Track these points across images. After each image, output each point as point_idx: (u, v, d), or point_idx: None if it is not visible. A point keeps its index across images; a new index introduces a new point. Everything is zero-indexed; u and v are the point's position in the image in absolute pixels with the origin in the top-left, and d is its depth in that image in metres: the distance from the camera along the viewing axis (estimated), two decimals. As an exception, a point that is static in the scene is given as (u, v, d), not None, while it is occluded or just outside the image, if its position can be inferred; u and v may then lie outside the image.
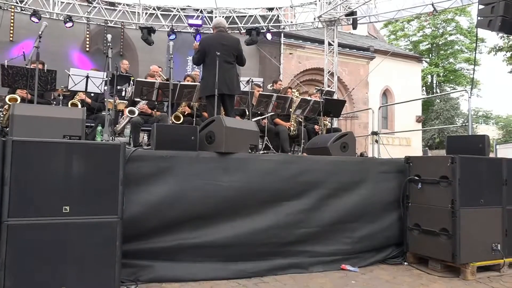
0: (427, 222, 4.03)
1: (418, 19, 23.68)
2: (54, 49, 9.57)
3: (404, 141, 17.14)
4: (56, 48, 9.99)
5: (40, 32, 4.20)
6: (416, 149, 17.12)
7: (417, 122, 18.19)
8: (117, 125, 5.86)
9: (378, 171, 4.34)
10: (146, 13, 11.25)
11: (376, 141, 6.78)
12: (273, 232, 3.76)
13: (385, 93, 17.80)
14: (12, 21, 10.10)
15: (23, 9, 10.11)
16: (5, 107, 5.16)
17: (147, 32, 10.69)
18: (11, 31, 10.08)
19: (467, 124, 6.55)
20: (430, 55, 27.79)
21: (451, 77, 26.58)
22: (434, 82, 28.36)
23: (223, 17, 11.44)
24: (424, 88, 27.13)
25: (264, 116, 6.18)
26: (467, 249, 3.75)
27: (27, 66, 4.64)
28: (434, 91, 27.83)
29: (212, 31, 5.34)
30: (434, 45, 27.18)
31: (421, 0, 9.84)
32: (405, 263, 4.21)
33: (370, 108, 8.94)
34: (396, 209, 4.34)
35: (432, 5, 9.58)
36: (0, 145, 2.58)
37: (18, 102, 4.81)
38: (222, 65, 4.79)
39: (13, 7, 10.05)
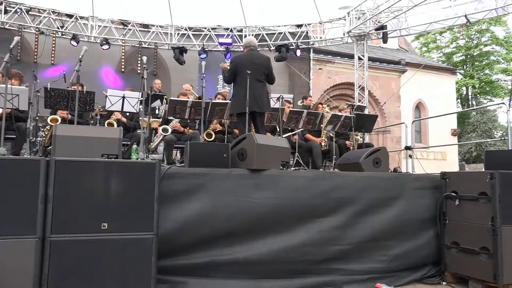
0: (466, 241, 3.88)
1: (451, 30, 23.20)
2: (91, 70, 10.02)
3: (439, 155, 16.63)
4: (94, 69, 10.46)
5: (80, 56, 4.43)
6: (452, 163, 16.57)
7: (452, 136, 17.64)
8: (151, 143, 6.02)
9: (413, 187, 4.24)
10: (178, 34, 11.61)
11: (410, 156, 6.62)
12: (305, 250, 3.73)
13: (418, 107, 17.41)
14: (53, 45, 10.67)
15: (64, 34, 10.67)
16: (47, 127, 5.43)
17: (179, 51, 11.00)
18: (53, 55, 10.64)
19: (506, 137, 6.29)
20: (465, 66, 27.07)
21: (487, 89, 25.73)
22: (470, 94, 27.54)
23: (252, 35, 11.64)
24: (459, 100, 26.38)
25: (295, 132, 6.19)
26: (510, 269, 3.57)
27: (68, 88, 4.87)
28: (470, 103, 27.01)
29: (242, 50, 5.44)
30: (469, 56, 26.48)
31: (454, 12, 9.66)
32: (444, 282, 4.05)
33: (403, 123, 8.75)
34: (433, 227, 4.21)
35: (465, 16, 9.39)
36: (44, 164, 2.72)
37: (58, 122, 5.05)
38: (253, 83, 4.87)
39: (54, 32, 10.62)
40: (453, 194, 4.07)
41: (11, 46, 3.66)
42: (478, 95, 26.88)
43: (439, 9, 9.92)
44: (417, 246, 4.12)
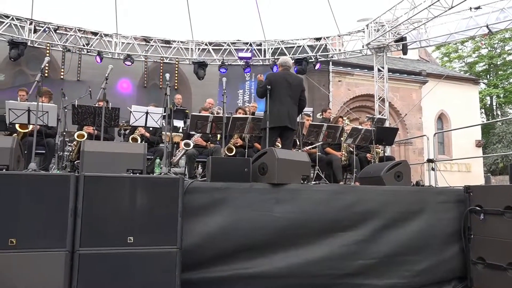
0: (493, 256, 3.80)
1: (473, 39, 22.86)
2: (113, 85, 10.33)
3: (464, 167, 16.26)
4: (115, 84, 10.77)
5: (106, 75, 4.60)
6: (477, 175, 16.16)
7: (477, 147, 17.24)
8: (173, 157, 6.14)
9: (436, 201, 4.19)
10: (198, 49, 11.84)
11: (433, 169, 6.53)
12: (327, 264, 3.72)
13: (440, 118, 17.13)
14: (79, 62, 11.03)
15: (89, 51, 11.04)
16: (74, 142, 5.61)
17: (199, 66, 11.23)
18: (78, 71, 11.00)
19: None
20: (488, 76, 26.55)
21: (513, 98, 25.12)
22: (494, 103, 26.94)
23: (271, 48, 11.79)
24: (483, 110, 25.83)
25: (314, 145, 6.21)
26: (540, 285, 3.49)
27: (94, 105, 5.05)
28: (494, 113, 26.40)
29: (277, 68, 5.57)
30: (492, 65, 25.98)
31: (475, 22, 9.55)
32: (470, 299, 3.98)
33: (424, 135, 8.64)
34: (457, 241, 4.14)
35: (487, 26, 9.27)
36: (74, 180, 2.83)
37: (85, 138, 5.22)
38: (287, 101, 5.04)
39: (80, 49, 11.00)
40: (478, 208, 4.00)
41: (42, 66, 3.83)
42: (503, 104, 26.26)
43: (460, 20, 9.83)
44: (442, 261, 4.05)
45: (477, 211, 4.00)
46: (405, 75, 16.07)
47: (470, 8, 9.35)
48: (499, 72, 25.80)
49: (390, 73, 12.58)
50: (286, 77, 5.20)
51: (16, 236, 2.65)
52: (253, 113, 7.05)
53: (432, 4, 8.67)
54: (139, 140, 5.75)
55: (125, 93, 11.53)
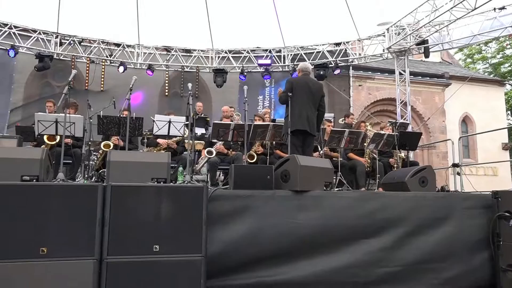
0: (524, 263, 3.69)
1: (497, 40, 22.31)
2: (140, 96, 10.54)
3: (490, 170, 15.80)
4: (142, 94, 10.98)
5: (131, 85, 4.71)
6: (504, 179, 15.67)
7: (503, 150, 16.76)
8: (196, 165, 6.21)
9: (462, 207, 4.10)
10: (218, 57, 11.97)
11: (458, 174, 6.40)
12: (352, 271, 3.69)
13: (465, 120, 16.74)
14: (102, 73, 11.31)
15: (112, 61, 11.31)
16: (99, 151, 5.75)
17: (216, 74, 11.36)
18: (102, 82, 11.28)
19: None
20: (514, 77, 25.82)
21: (540, 99, 24.33)
22: (521, 105, 26.14)
23: (291, 55, 11.81)
24: (509, 112, 25.10)
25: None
26: None
27: (119, 116, 5.17)
28: (522, 115, 25.60)
29: (297, 74, 5.55)
30: (518, 66, 25.26)
31: (499, 23, 9.32)
32: (501, 308, 3.86)
33: (449, 139, 8.47)
34: (486, 248, 4.03)
35: (512, 27, 9.06)
36: (101, 190, 2.91)
37: (111, 147, 5.35)
38: (307, 106, 5.04)
39: (103, 60, 11.28)
40: (507, 214, 3.89)
41: (70, 79, 3.95)
42: (530, 106, 25.46)
43: (484, 21, 9.61)
44: (470, 269, 3.96)
45: (506, 217, 3.89)
46: (427, 78, 15.81)
47: (494, 9, 9.14)
48: (526, 73, 25.06)
49: (412, 76, 12.41)
50: (307, 81, 5.21)
51: (46, 245, 2.73)
52: (273, 120, 7.06)
53: (454, 6, 8.51)
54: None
55: (135, 104, 11.66)
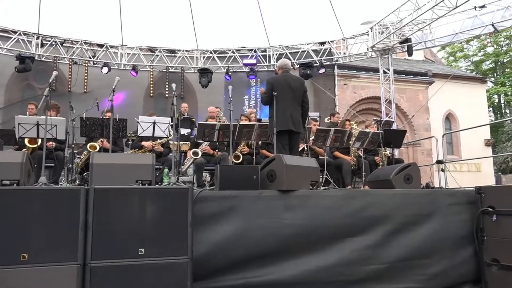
0: (507, 257, 3.75)
1: (478, 38, 22.71)
2: (122, 96, 10.39)
3: (474, 166, 16.10)
4: (124, 95, 10.82)
5: (113, 86, 4.64)
6: (487, 174, 16.00)
7: (486, 146, 17.08)
8: (181, 166, 6.16)
9: (447, 203, 4.14)
10: (203, 57, 11.91)
11: (442, 170, 6.47)
12: (338, 270, 3.69)
13: (448, 118, 17.01)
14: (86, 74, 11.15)
15: (95, 62, 11.15)
16: (84, 152, 5.66)
17: (201, 74, 11.30)
18: (85, 84, 11.11)
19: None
20: (495, 74, 26.34)
21: (521, 96, 24.89)
22: (502, 102, 26.70)
23: (276, 54, 11.81)
24: (491, 109, 25.60)
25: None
26: (556, 286, 3.43)
27: (102, 117, 5.09)
28: (503, 111, 26.15)
29: (277, 72, 5.52)
30: (498, 63, 25.78)
31: (480, 21, 9.49)
32: (485, 302, 3.92)
33: (433, 136, 8.58)
34: (470, 244, 4.09)
35: (493, 25, 9.20)
36: (84, 193, 2.85)
37: (97, 149, 5.27)
38: (290, 104, 5.00)
39: (86, 61, 11.12)
40: (490, 209, 3.95)
41: (50, 80, 3.87)
42: (511, 102, 26.00)
43: (465, 19, 9.77)
44: (455, 264, 4.00)
45: (489, 212, 3.95)
46: (411, 76, 16.02)
47: (475, 7, 9.29)
48: (506, 70, 25.59)
49: (396, 75, 12.54)
50: (287, 79, 5.15)
51: (28, 251, 2.67)
52: (259, 120, 7.04)
53: (436, 5, 8.64)
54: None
55: (116, 104, 11.52)
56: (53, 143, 5.26)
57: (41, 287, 2.68)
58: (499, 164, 21.57)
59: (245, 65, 11.68)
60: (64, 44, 10.78)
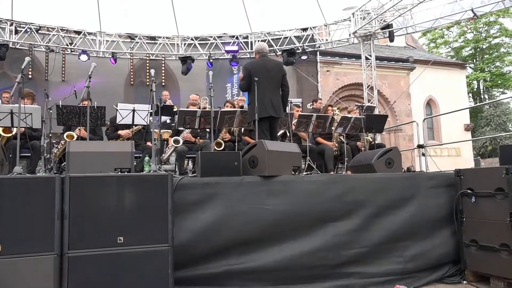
0: (485, 238, 3.82)
1: (458, 24, 22.97)
2: (102, 85, 10.14)
3: (454, 151, 16.39)
4: (104, 84, 10.58)
5: (89, 73, 4.50)
6: (467, 158, 16.32)
7: (465, 131, 17.40)
8: (163, 154, 6.07)
9: (427, 186, 4.19)
10: (185, 44, 11.71)
11: (423, 154, 6.55)
12: (321, 254, 3.71)
13: (429, 103, 17.24)
14: (63, 62, 10.85)
15: (73, 50, 10.85)
16: (61, 142, 5.51)
17: (182, 62, 11.11)
18: (63, 72, 10.82)
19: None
20: (474, 60, 26.76)
21: (499, 81, 25.36)
22: (481, 87, 27.18)
23: (258, 41, 11.68)
24: (470, 94, 26.04)
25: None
26: (532, 265, 3.51)
27: (79, 105, 4.95)
28: (482, 97, 26.64)
29: (254, 56, 5.42)
30: (478, 49, 26.18)
31: (460, 7, 9.56)
32: (464, 282, 3.99)
33: (414, 121, 8.68)
34: (450, 225, 4.15)
35: (472, 10, 9.28)
36: (59, 181, 2.77)
37: (75, 138, 5.13)
38: (269, 89, 4.90)
39: (63, 49, 10.81)
40: (469, 191, 4.02)
41: (23, 67, 3.72)
42: (490, 88, 26.51)
43: (445, 5, 9.83)
44: (434, 245, 4.07)
45: (468, 194, 4.02)
46: (393, 62, 16.12)
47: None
48: (485, 56, 26.02)
49: (378, 61, 12.58)
50: (264, 64, 5.04)
51: (1, 242, 2.59)
52: (241, 107, 6.98)
53: (416, -10, 8.65)
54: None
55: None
56: (23, 128, 5.04)
57: (17, 279, 2.61)
58: (478, 148, 22.06)
59: (227, 51, 11.53)
60: (39, 31, 10.43)
